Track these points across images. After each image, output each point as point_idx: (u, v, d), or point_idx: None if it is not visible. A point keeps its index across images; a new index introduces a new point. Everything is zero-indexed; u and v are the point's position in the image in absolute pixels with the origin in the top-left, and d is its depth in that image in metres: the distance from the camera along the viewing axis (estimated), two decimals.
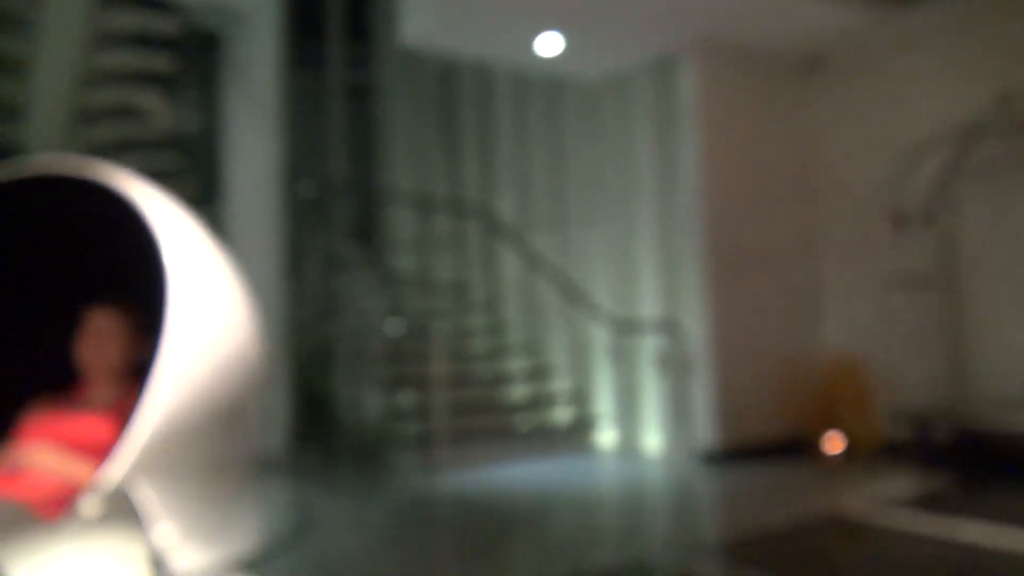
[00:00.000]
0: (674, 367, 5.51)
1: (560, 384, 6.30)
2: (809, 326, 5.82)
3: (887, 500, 4.00)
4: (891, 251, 5.43)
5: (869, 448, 5.34)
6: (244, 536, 2.95)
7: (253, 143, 5.72)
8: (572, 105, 6.58)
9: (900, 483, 4.44)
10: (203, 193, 7.05)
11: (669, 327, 5.56)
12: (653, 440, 5.74)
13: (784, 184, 5.80)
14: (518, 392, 6.11)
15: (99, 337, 2.07)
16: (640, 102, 5.96)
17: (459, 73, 7.49)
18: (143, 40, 6.56)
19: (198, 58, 7.07)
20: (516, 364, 6.34)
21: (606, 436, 6.05)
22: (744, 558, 3.19)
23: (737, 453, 5.23)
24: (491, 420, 5.72)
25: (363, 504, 4.23)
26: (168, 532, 1.85)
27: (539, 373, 6.33)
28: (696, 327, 5.41)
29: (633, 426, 5.88)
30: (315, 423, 5.65)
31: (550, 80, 6.65)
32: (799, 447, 5.46)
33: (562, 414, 6.09)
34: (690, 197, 5.49)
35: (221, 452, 2.73)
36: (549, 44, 5.52)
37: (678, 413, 5.46)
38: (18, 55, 5.36)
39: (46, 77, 5.30)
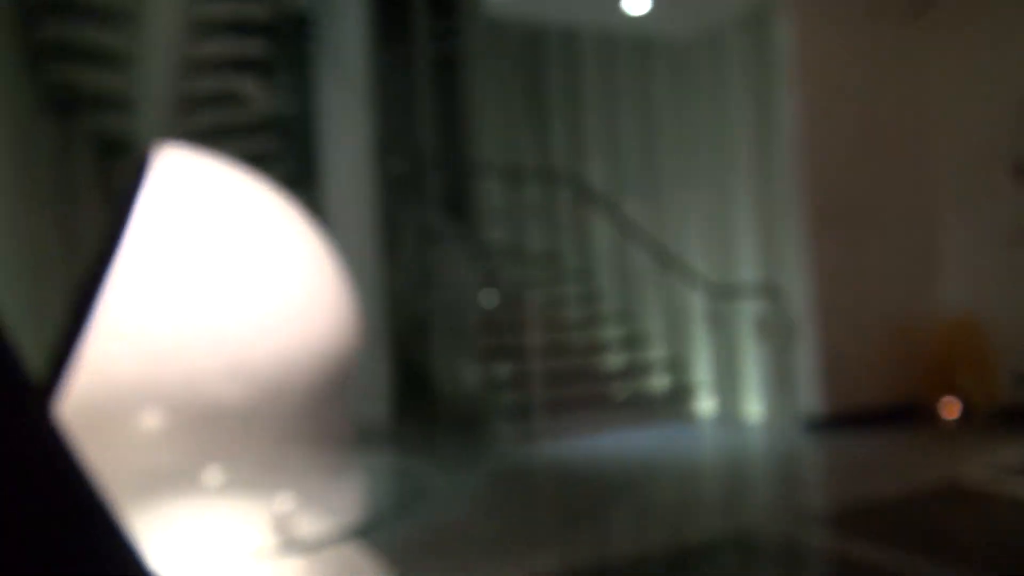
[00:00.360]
0: (775, 331, 5.36)
1: (657, 351, 6.24)
2: (922, 285, 5.55)
3: (1006, 468, 3.80)
4: (1012, 203, 5.09)
5: (986, 413, 5.08)
6: (354, 505, 3.06)
7: (346, 122, 5.83)
8: (661, 66, 6.41)
9: (1020, 450, 4.21)
10: (300, 174, 7.26)
11: (769, 290, 5.41)
12: (754, 407, 5.62)
13: (893, 136, 5.51)
14: (614, 360, 6.08)
15: None
16: (733, 58, 5.75)
17: (545, 39, 7.40)
18: (237, 27, 6.75)
19: (290, 41, 7.24)
20: (611, 332, 6.30)
21: (705, 404, 5.97)
22: (853, 529, 3.09)
23: (843, 420, 5.06)
24: (588, 389, 5.72)
25: (465, 473, 4.31)
26: (286, 499, 1.90)
27: (635, 341, 6.28)
28: (798, 289, 5.23)
29: (733, 393, 5.77)
30: (415, 395, 5.79)
31: (638, 41, 6.49)
32: (910, 413, 5.24)
33: (659, 382, 6.03)
34: (789, 155, 5.28)
35: (323, 424, 2.82)
36: (637, 3, 5.38)
37: (780, 378, 5.33)
38: (124, 48, 5.61)
39: (150, 68, 5.53)
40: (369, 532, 2.97)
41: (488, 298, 5.83)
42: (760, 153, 5.59)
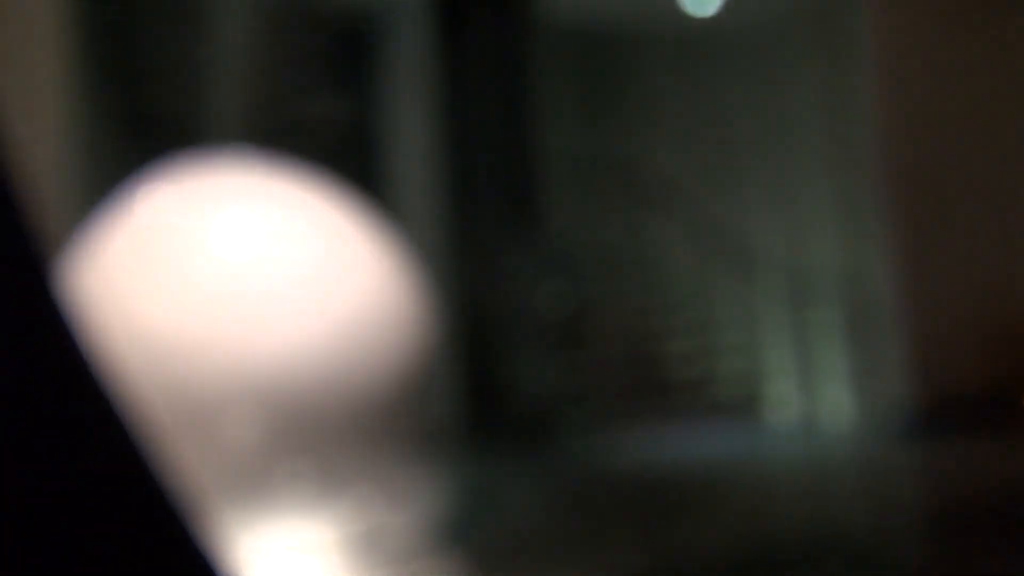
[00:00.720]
0: (860, 323, 5.12)
1: (732, 349, 6.03)
2: (1022, 267, 5.21)
3: None
4: None
5: None
6: (428, 510, 3.02)
7: (412, 128, 5.84)
8: (735, 54, 6.22)
9: None
10: (366, 177, 7.30)
11: (852, 279, 5.16)
12: (839, 406, 5.37)
13: (980, 109, 5.19)
14: (685, 359, 5.91)
15: None
16: (805, 39, 5.54)
17: (611, 37, 7.28)
18: (305, 29, 6.84)
19: (356, 42, 7.30)
20: (683, 331, 6.13)
21: (785, 403, 5.73)
22: (950, 538, 2.89)
23: (939, 419, 4.78)
24: (658, 391, 5.57)
25: (537, 479, 4.23)
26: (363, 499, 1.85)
27: (709, 339, 6.09)
28: (883, 277, 4.99)
29: (815, 391, 5.53)
30: (486, 401, 5.73)
31: (707, 34, 6.31)
32: (1014, 408, 4.91)
33: (735, 382, 5.83)
34: (866, 134, 5.04)
35: (393, 427, 2.78)
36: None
37: (867, 375, 5.08)
38: (192, 52, 5.74)
39: (218, 70, 5.65)
40: (445, 541, 2.92)
41: (560, 299, 5.74)
42: (837, 137, 5.35)
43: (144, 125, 6.54)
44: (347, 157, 7.44)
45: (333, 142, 7.28)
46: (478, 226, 6.34)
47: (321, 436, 2.33)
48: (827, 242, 5.48)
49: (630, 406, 5.17)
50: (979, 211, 5.11)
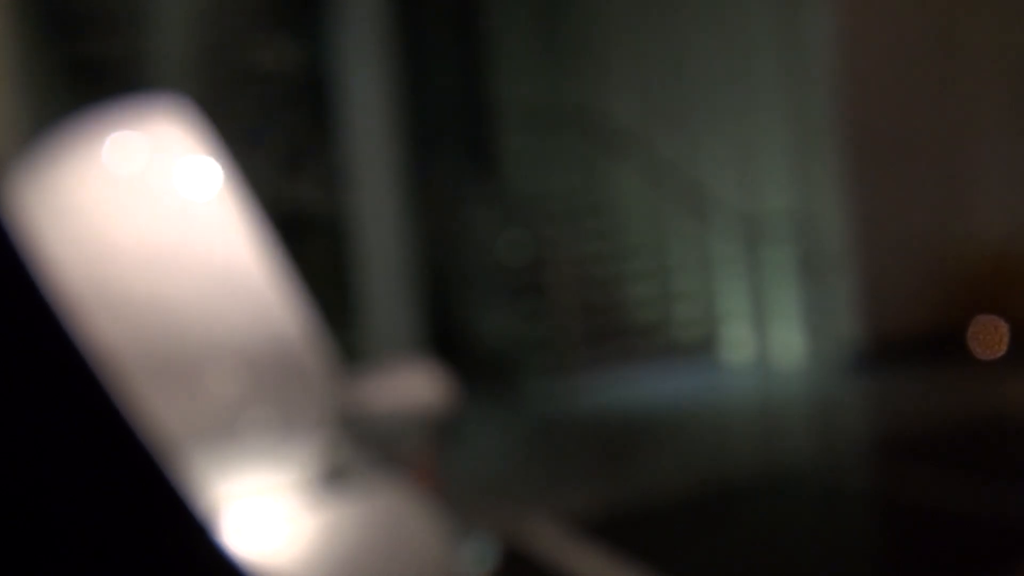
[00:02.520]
0: (811, 265, 5.22)
1: (688, 292, 6.12)
2: (966, 210, 5.35)
3: None
4: None
5: None
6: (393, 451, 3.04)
7: (366, 73, 5.70)
8: (687, 1, 6.18)
9: None
10: (319, 129, 7.16)
11: (804, 221, 5.25)
12: (791, 345, 5.50)
13: (931, 54, 5.26)
14: (642, 303, 5.99)
15: None
16: None
17: None
18: None
19: None
20: (639, 276, 6.19)
21: (740, 343, 5.85)
22: (897, 466, 3.01)
23: (886, 355, 4.93)
24: (617, 335, 5.64)
25: (498, 422, 4.28)
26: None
27: (665, 283, 6.17)
28: (833, 220, 5.07)
29: (768, 331, 5.65)
30: (448, 346, 5.75)
31: None
32: (956, 345, 5.09)
33: (691, 324, 5.93)
34: (821, 77, 5.08)
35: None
36: None
37: (817, 314, 5.20)
38: (136, 8, 5.52)
39: (162, 26, 5.45)
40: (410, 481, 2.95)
41: (517, 245, 5.75)
42: (791, 80, 5.38)
43: (84, 71, 6.30)
44: (299, 105, 7.27)
45: (285, 89, 7.10)
46: (435, 175, 6.28)
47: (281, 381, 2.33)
48: (780, 187, 5.55)
49: (589, 350, 5.24)
50: (927, 158, 5.21)
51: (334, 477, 1.92)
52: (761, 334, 5.67)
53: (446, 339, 5.78)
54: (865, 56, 5.05)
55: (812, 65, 5.19)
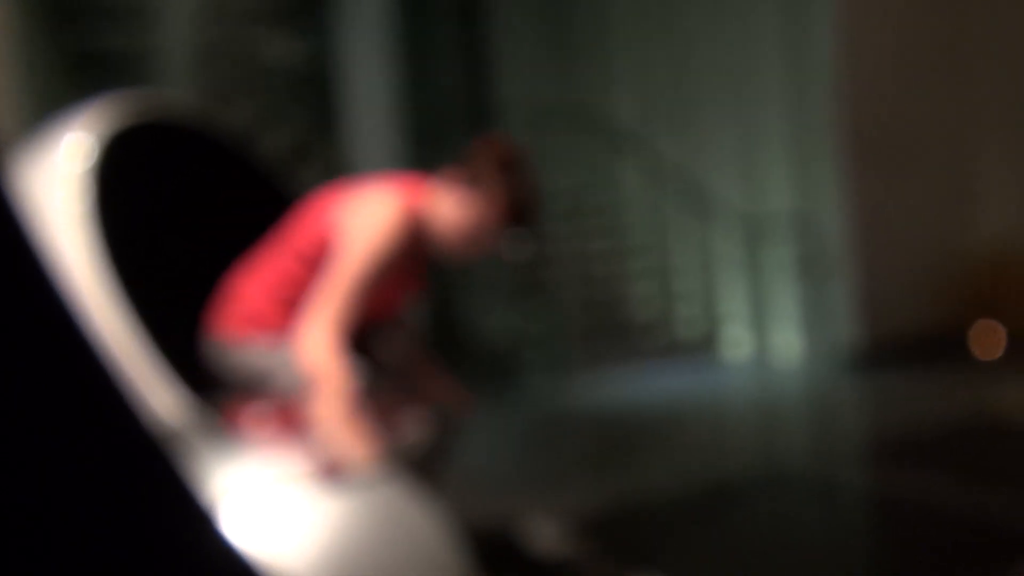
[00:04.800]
0: (811, 265, 5.23)
1: (688, 291, 6.13)
2: (966, 213, 5.36)
3: None
4: None
5: None
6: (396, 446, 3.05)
7: (369, 69, 5.73)
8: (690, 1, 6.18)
9: None
10: (322, 125, 7.17)
11: (805, 223, 5.26)
12: (790, 345, 5.52)
13: (934, 56, 5.27)
14: (642, 302, 6.00)
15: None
16: None
17: None
18: None
19: None
20: (640, 274, 6.20)
21: (739, 343, 5.87)
22: (894, 466, 3.03)
23: (884, 356, 4.94)
24: (617, 333, 5.66)
25: (492, 420, 4.30)
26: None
27: (665, 282, 6.18)
28: (834, 221, 5.08)
29: (768, 331, 5.67)
30: (449, 343, 5.77)
31: None
32: (955, 347, 5.10)
33: (691, 323, 5.95)
34: (824, 80, 5.08)
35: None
36: None
37: (816, 315, 5.21)
38: (141, 3, 5.54)
39: (167, 21, 5.46)
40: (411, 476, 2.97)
41: (519, 243, 5.75)
42: (794, 82, 5.39)
43: (88, 63, 6.31)
44: (305, 98, 7.27)
45: (291, 82, 7.10)
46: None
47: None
48: (782, 188, 5.56)
49: (590, 348, 5.26)
50: (928, 159, 5.22)
51: (337, 472, 1.93)
52: (761, 334, 5.69)
53: (448, 335, 5.80)
54: (867, 58, 5.06)
55: (814, 67, 5.20)
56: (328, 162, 7.01)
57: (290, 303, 1.83)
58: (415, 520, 1.64)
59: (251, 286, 1.91)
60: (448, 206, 1.79)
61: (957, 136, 5.34)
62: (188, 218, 2.33)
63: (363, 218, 1.73)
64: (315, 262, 1.80)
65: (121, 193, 2.10)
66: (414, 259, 1.86)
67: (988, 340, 5.05)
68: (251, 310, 1.88)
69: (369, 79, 5.71)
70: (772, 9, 5.50)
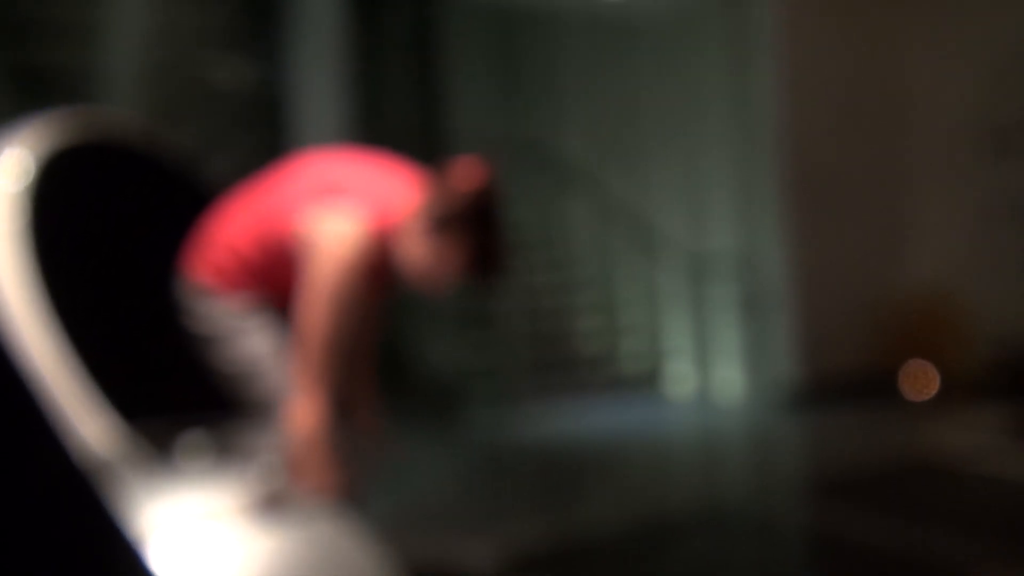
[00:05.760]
0: (753, 304, 5.34)
1: (633, 327, 6.20)
2: (901, 257, 5.54)
3: (982, 441, 3.80)
4: (988, 175, 5.08)
5: (964, 386, 5.09)
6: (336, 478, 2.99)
7: (320, 97, 5.70)
8: (640, 42, 6.32)
9: (996, 423, 4.22)
10: (269, 150, 7.09)
11: (747, 263, 5.37)
12: (732, 382, 5.60)
13: (871, 107, 5.48)
14: (588, 337, 6.04)
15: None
16: (712, 30, 5.68)
17: (522, 17, 7.30)
18: None
19: (260, 10, 7.06)
20: (586, 309, 6.25)
21: (682, 379, 5.94)
22: (830, 503, 3.08)
23: (822, 394, 5.06)
24: (562, 367, 5.67)
25: (437, 452, 4.25)
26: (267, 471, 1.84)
27: (611, 317, 6.23)
28: (776, 262, 5.20)
29: (710, 368, 5.75)
30: (395, 375, 5.71)
31: (617, 19, 6.41)
32: (889, 386, 5.25)
33: (636, 358, 6.00)
34: (767, 126, 5.23)
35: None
36: None
37: (757, 353, 5.31)
38: (87, 20, 5.44)
39: (114, 39, 5.37)
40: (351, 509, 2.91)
41: (477, 290, 5.75)
42: (739, 127, 5.54)
43: (31, 78, 6.15)
44: (253, 123, 7.19)
45: (239, 107, 7.01)
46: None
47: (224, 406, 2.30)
48: (725, 227, 5.68)
49: (536, 380, 5.26)
50: (865, 204, 5.40)
51: (271, 504, 1.89)
52: (704, 370, 5.77)
53: (393, 364, 5.74)
54: (809, 104, 5.23)
55: (758, 113, 5.35)
56: None
57: (247, 272, 1.84)
58: (351, 555, 1.61)
59: (221, 237, 1.89)
60: (414, 242, 1.78)
61: (892, 182, 5.54)
62: (128, 241, 2.27)
63: (329, 243, 1.73)
64: (272, 252, 1.81)
65: (58, 213, 2.05)
66: (378, 278, 1.87)
67: (920, 380, 5.20)
68: (218, 262, 1.87)
69: (320, 107, 5.69)
70: (720, 57, 5.65)
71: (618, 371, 5.82)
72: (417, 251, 1.76)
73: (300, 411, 1.71)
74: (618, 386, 5.65)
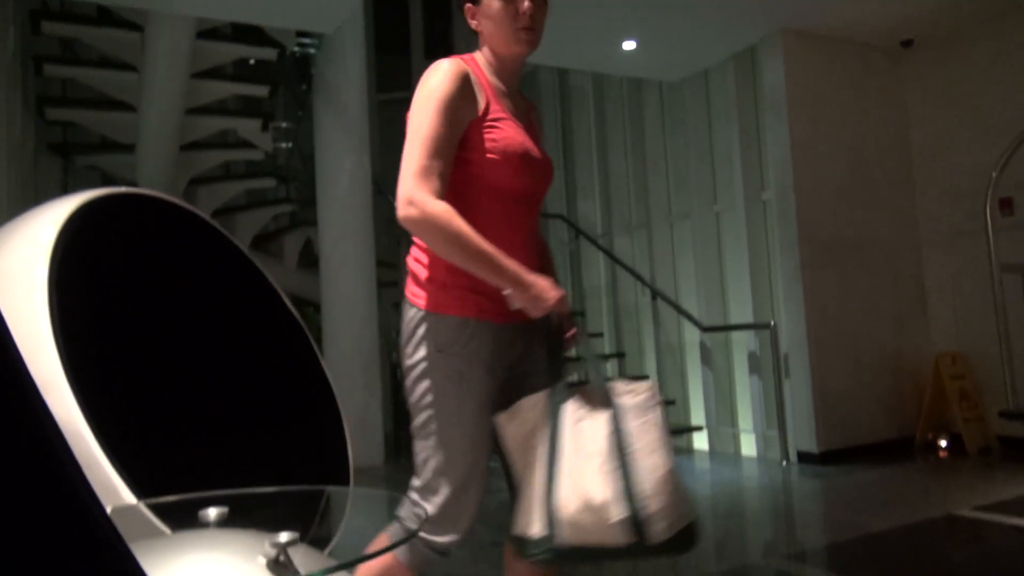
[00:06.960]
0: (768, 367, 5.36)
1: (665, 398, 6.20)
2: (912, 320, 5.56)
3: (998, 503, 3.78)
4: (999, 240, 5.12)
5: (979, 449, 5.06)
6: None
7: (343, 163, 5.88)
8: (652, 103, 6.50)
9: (1012, 485, 4.19)
10: (300, 213, 7.31)
11: (761, 326, 5.41)
12: (748, 443, 5.60)
13: (880, 172, 5.56)
14: None
15: None
16: (723, 94, 5.83)
17: (537, 79, 7.53)
18: (241, 69, 6.84)
19: (291, 83, 7.36)
20: (605, 370, 6.29)
21: (699, 440, 5.94)
22: (845, 565, 3.07)
23: (837, 455, 5.04)
24: None
25: None
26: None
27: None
28: (790, 324, 5.23)
29: (727, 429, 5.75)
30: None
31: (631, 80, 6.60)
32: (903, 448, 5.22)
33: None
34: (778, 189, 5.31)
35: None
36: (629, 53, 5.49)
37: (773, 414, 5.31)
38: (128, 90, 5.72)
39: (153, 110, 5.63)
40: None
41: None
42: (750, 188, 5.64)
43: (70, 147, 6.44)
44: (281, 193, 7.40)
45: (266, 171, 7.23)
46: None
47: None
48: (739, 290, 5.72)
49: None
50: (874, 268, 5.42)
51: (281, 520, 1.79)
52: (720, 431, 5.77)
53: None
54: (818, 168, 5.30)
55: (770, 177, 5.45)
56: (299, 246, 7.12)
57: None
58: None
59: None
60: (480, 33, 1.77)
61: (903, 244, 5.58)
62: (158, 290, 2.33)
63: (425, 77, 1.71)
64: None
65: (90, 262, 2.09)
66: (516, 105, 1.79)
67: (934, 443, 5.18)
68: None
69: (342, 172, 5.88)
70: (731, 127, 5.77)
71: None
72: (484, 29, 1.75)
73: (424, 202, 1.56)
74: None
